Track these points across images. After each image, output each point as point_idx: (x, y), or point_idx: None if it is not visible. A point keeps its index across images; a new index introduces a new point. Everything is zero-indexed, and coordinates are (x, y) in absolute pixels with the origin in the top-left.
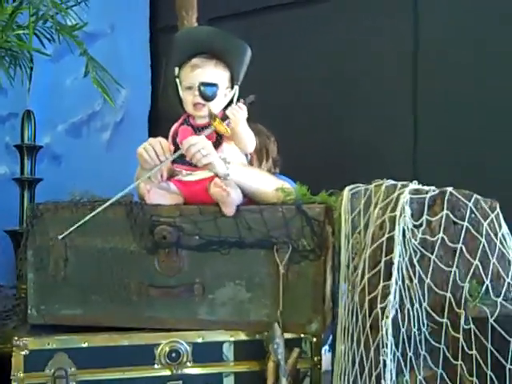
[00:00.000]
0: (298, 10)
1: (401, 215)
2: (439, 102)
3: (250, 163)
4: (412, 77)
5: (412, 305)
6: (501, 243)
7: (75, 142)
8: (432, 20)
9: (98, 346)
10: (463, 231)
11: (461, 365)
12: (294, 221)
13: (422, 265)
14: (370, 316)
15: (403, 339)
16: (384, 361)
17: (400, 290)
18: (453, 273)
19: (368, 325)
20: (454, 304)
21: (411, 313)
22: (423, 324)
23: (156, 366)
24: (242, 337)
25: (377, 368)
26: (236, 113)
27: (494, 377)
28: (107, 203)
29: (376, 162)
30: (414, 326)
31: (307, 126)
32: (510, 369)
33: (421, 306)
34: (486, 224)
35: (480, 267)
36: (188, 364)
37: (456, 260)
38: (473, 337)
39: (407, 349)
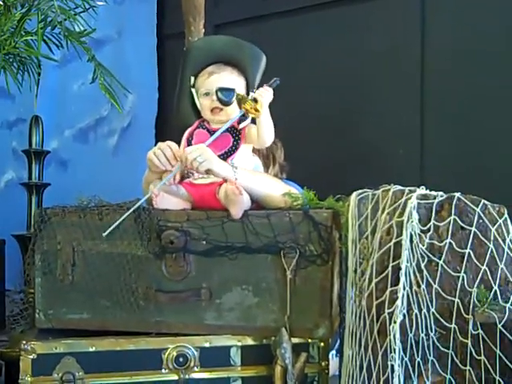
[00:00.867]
0: (304, 16)
1: (408, 220)
2: (446, 108)
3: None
4: (419, 83)
5: (420, 310)
6: (509, 249)
7: (82, 148)
8: (439, 27)
9: (106, 350)
10: (471, 236)
11: (469, 370)
12: (301, 226)
13: (430, 270)
14: (377, 321)
15: (411, 344)
16: (392, 366)
17: (408, 295)
18: (461, 278)
19: (376, 330)
20: (462, 309)
21: (419, 318)
22: (431, 329)
23: (163, 370)
24: (250, 341)
25: (384, 373)
26: (264, 94)
27: (502, 382)
28: (136, 205)
29: (383, 168)
30: (422, 331)
31: (314, 131)
32: None
33: (429, 311)
34: (494, 229)
35: (488, 273)
36: (195, 369)
37: (464, 265)
38: (481, 342)
39: (415, 354)
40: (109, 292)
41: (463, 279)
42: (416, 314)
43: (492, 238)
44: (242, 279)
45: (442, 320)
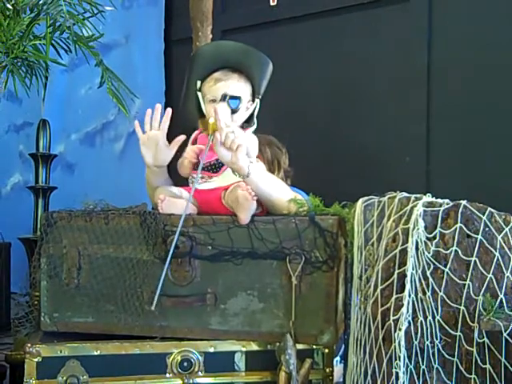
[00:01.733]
0: (311, 22)
1: (414, 228)
2: (453, 115)
3: None
4: (426, 89)
5: (425, 317)
6: None
7: (89, 152)
8: (446, 33)
9: (110, 354)
10: (477, 244)
11: (474, 378)
12: (306, 232)
13: (436, 277)
14: (382, 328)
15: (416, 352)
16: (396, 373)
17: (413, 303)
18: (466, 286)
19: (380, 337)
20: (467, 317)
21: (424, 325)
22: (436, 337)
23: (167, 375)
24: (254, 347)
25: (389, 380)
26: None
27: None
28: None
29: (389, 175)
30: (427, 338)
31: (320, 137)
32: None
33: (434, 318)
34: (500, 237)
35: (494, 281)
36: (199, 373)
37: (470, 273)
38: (486, 350)
39: (420, 362)
40: (114, 296)
41: (469, 287)
42: (421, 322)
43: (498, 246)
44: (248, 285)
45: (447, 328)
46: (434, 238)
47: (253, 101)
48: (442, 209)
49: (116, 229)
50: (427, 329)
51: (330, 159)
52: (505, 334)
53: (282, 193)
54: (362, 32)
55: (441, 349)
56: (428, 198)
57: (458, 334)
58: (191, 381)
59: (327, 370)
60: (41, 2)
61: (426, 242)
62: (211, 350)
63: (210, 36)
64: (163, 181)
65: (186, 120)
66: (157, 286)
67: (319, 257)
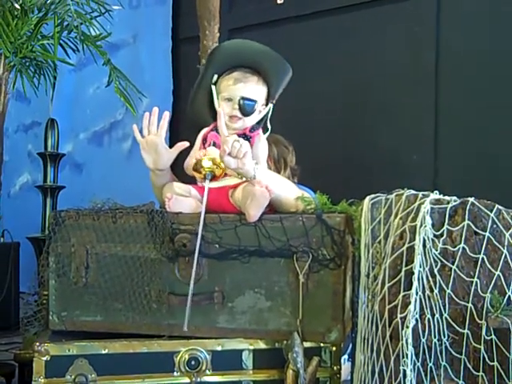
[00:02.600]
0: (318, 20)
1: (421, 225)
2: (461, 113)
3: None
4: (434, 88)
5: (432, 315)
6: None
7: (97, 151)
8: (454, 32)
9: (118, 352)
10: (485, 242)
11: (482, 376)
12: (314, 230)
13: (443, 275)
14: (390, 326)
15: (423, 349)
16: (404, 371)
17: (420, 300)
18: (474, 283)
19: (388, 334)
20: (475, 315)
21: (432, 323)
22: (444, 334)
23: (175, 373)
24: (262, 345)
25: (397, 378)
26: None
27: None
28: None
29: (397, 172)
30: (435, 336)
31: (327, 136)
32: None
33: (441, 316)
34: (508, 235)
35: (502, 278)
36: (207, 372)
37: (477, 271)
38: (494, 348)
39: (427, 359)
40: (122, 295)
41: (476, 284)
42: (429, 319)
43: (506, 243)
44: (255, 283)
45: (454, 325)
46: (442, 235)
47: (266, 104)
48: (449, 206)
49: (124, 227)
50: (435, 326)
51: (338, 157)
52: None
53: (289, 192)
54: (369, 30)
55: (448, 346)
56: (435, 195)
57: (466, 331)
58: (199, 379)
59: (335, 367)
60: (48, 2)
61: (433, 240)
62: (219, 348)
63: (218, 35)
64: (168, 182)
65: (195, 111)
66: (185, 306)
67: (326, 255)
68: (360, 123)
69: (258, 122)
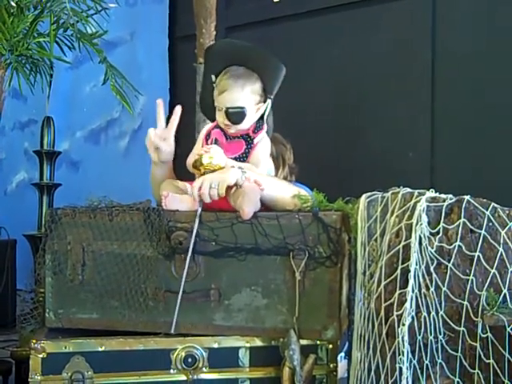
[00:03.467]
0: (314, 18)
1: (417, 223)
2: (457, 111)
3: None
4: (430, 86)
5: (428, 313)
6: None
7: (93, 149)
8: (450, 30)
9: (115, 350)
10: (480, 240)
11: (478, 373)
12: (310, 228)
13: (439, 273)
14: (386, 323)
15: (419, 347)
16: (400, 368)
17: (416, 298)
18: (470, 281)
19: (384, 332)
20: (471, 312)
21: (428, 321)
22: (440, 332)
23: (172, 370)
24: (258, 343)
25: (393, 376)
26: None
27: None
28: None
29: (393, 170)
30: (431, 333)
31: (324, 134)
32: None
33: (437, 313)
34: (503, 232)
35: (497, 276)
36: (204, 369)
37: (473, 268)
38: (490, 345)
39: (423, 357)
40: (118, 292)
41: (472, 282)
42: (425, 317)
43: (502, 241)
44: (251, 280)
45: (450, 323)
46: (438, 233)
47: (264, 101)
48: (445, 204)
49: (120, 225)
50: (431, 324)
51: (334, 155)
52: (508, 329)
53: (283, 191)
54: (366, 28)
55: (444, 344)
56: (431, 193)
57: (462, 329)
58: (195, 376)
59: (331, 365)
60: (44, 0)
61: (429, 238)
62: (215, 345)
63: (214, 33)
64: (169, 177)
65: (206, 112)
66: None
67: (323, 252)
68: (355, 121)
69: (261, 119)
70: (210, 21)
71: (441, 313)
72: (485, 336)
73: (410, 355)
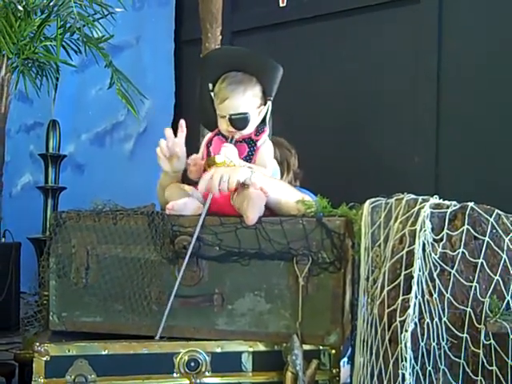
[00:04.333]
0: (321, 23)
1: (421, 229)
2: (462, 116)
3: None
4: (436, 91)
5: (432, 319)
6: None
7: (99, 152)
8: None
9: (118, 353)
10: (484, 246)
11: (481, 380)
12: (314, 233)
13: (442, 279)
14: (389, 329)
15: (422, 353)
16: (403, 374)
17: (420, 304)
18: (473, 288)
19: (387, 338)
20: (474, 319)
21: (431, 327)
22: (443, 338)
23: (175, 374)
24: (261, 347)
25: (395, 382)
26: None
27: None
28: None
29: (398, 176)
30: (434, 340)
31: (329, 139)
32: None
33: (440, 320)
34: (507, 239)
35: (501, 283)
36: (207, 373)
37: (476, 275)
38: (493, 352)
39: (426, 363)
40: (122, 296)
41: (476, 289)
42: (428, 323)
43: (505, 248)
44: (255, 285)
45: (453, 329)
46: (441, 239)
47: (264, 103)
48: (449, 210)
49: (124, 229)
50: (434, 330)
51: (339, 160)
52: (511, 336)
53: (289, 195)
54: (372, 33)
55: (447, 350)
56: (435, 199)
57: (465, 335)
58: (198, 381)
59: (334, 370)
60: (51, 4)
61: (432, 244)
62: (218, 350)
63: (220, 37)
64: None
65: (205, 116)
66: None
67: (326, 258)
68: (361, 126)
69: (262, 122)
70: (215, 25)
71: (444, 319)
72: (488, 343)
73: (412, 361)
